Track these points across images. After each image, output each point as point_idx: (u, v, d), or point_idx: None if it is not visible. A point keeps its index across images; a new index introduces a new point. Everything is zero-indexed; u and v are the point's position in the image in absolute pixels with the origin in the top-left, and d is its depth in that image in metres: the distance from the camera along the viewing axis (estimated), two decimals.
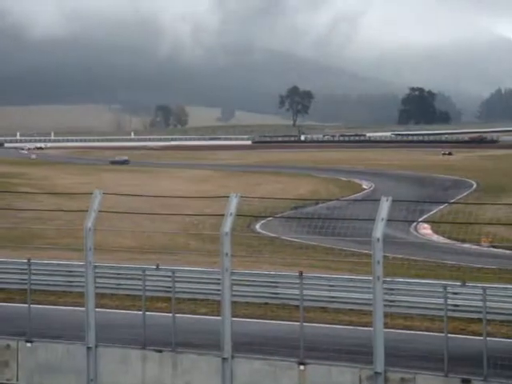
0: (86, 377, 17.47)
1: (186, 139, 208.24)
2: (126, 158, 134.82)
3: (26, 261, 19.79)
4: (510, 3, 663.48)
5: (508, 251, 43.41)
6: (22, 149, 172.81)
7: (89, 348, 17.50)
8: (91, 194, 18.00)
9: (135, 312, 19.68)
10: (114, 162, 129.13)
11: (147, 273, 18.56)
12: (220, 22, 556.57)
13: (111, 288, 23.89)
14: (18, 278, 23.91)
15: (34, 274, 20.59)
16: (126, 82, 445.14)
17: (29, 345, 18.03)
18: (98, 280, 18.35)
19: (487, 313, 15.43)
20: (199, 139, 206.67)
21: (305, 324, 16.48)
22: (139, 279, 18.61)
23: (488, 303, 15.62)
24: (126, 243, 43.46)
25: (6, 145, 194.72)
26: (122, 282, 24.00)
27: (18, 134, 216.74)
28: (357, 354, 15.89)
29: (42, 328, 18.39)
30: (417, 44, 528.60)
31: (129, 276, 22.84)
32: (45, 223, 43.26)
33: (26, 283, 19.63)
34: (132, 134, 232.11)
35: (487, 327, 15.45)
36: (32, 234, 43.17)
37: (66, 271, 25.48)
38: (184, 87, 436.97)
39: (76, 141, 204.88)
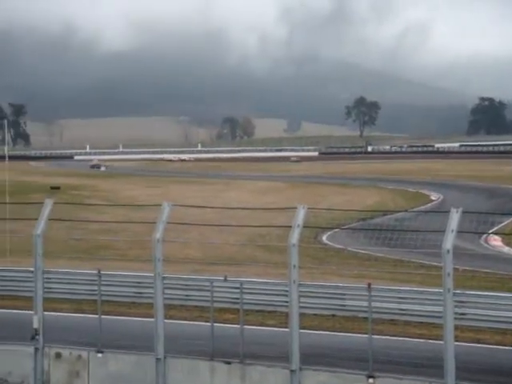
0: None
1: (252, 150, 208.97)
2: (97, 163, 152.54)
3: (96, 272, 20.04)
4: None
5: None
6: (91, 161, 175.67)
7: (158, 359, 17.63)
8: (160, 205, 18.17)
9: (203, 323, 19.77)
10: (93, 166, 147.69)
11: (215, 284, 18.63)
12: (287, 32, 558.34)
13: (180, 299, 24.02)
14: (88, 288, 24.19)
15: (104, 284, 20.84)
16: (193, 93, 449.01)
17: (99, 355, 18.25)
18: (167, 291, 18.49)
19: None
20: (265, 150, 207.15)
21: (374, 336, 16.36)
22: (207, 290, 18.70)
23: None
24: (194, 254, 43.75)
25: (76, 157, 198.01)
26: (191, 293, 24.11)
27: (88, 146, 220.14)
28: (427, 367, 15.73)
29: (112, 339, 18.60)
30: (486, 53, 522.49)
31: (197, 287, 22.94)
32: (114, 234, 43.85)
33: (96, 294, 19.87)
34: (199, 145, 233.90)
35: None
36: (100, 245, 43.76)
37: (136, 282, 25.66)
38: (251, 98, 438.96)
39: (144, 153, 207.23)
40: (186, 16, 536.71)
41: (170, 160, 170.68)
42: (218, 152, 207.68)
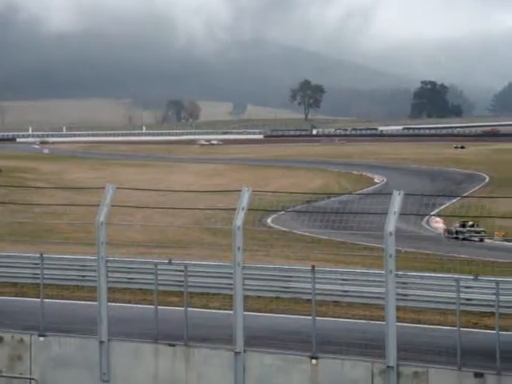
0: (99, 370, 17.51)
1: (197, 133, 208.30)
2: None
3: (38, 255, 19.85)
4: None
5: None
6: (35, 143, 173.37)
7: (101, 342, 17.54)
8: (103, 188, 18.02)
9: (148, 306, 19.70)
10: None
11: (159, 267, 18.58)
12: (232, 16, 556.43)
13: (124, 282, 23.92)
14: (30, 272, 23.95)
15: (47, 268, 20.64)
16: (138, 76, 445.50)
17: (42, 339, 18.09)
18: (111, 274, 18.38)
19: (500, 306, 15.37)
20: (211, 133, 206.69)
21: (317, 318, 16.46)
22: (151, 273, 18.63)
23: (501, 297, 15.56)
24: (139, 237, 43.57)
25: (19, 140, 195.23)
26: (135, 276, 24.02)
27: (31, 129, 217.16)
28: (369, 348, 15.86)
29: (54, 322, 18.44)
30: (429, 37, 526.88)
31: (141, 270, 22.86)
32: (57, 218, 43.41)
33: (38, 278, 19.68)
34: (143, 128, 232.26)
35: (500, 321, 15.38)
36: (44, 228, 43.31)
37: (79, 265, 25.52)
38: (196, 81, 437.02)
39: (88, 135, 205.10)
40: None
41: (202, 144, 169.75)
42: (162, 135, 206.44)
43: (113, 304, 18.75)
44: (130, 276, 24.28)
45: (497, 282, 15.52)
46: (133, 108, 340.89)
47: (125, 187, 20.41)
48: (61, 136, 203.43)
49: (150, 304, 18.72)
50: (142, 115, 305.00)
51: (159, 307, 17.85)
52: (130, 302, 23.07)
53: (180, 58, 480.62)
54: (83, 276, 24.91)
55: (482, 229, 51.78)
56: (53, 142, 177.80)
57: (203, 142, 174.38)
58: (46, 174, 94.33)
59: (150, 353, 17.21)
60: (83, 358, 17.69)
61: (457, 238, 51.39)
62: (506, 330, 17.05)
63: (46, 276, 20.13)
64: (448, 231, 53.48)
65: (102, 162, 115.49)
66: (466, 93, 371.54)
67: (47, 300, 19.10)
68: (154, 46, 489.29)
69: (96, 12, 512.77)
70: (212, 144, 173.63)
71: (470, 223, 52.67)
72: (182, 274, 18.16)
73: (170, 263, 19.13)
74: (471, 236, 51.43)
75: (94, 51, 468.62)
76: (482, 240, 51.69)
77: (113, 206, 17.76)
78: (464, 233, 51.79)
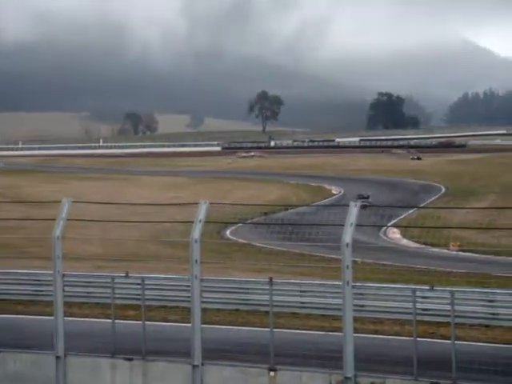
0: None
1: (155, 146, 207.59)
2: None
3: None
4: (477, 8, 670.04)
5: (476, 255, 43.76)
6: None
7: (58, 357, 17.37)
8: (60, 202, 17.88)
9: (105, 320, 19.57)
10: None
11: (116, 281, 18.47)
12: (188, 26, 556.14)
13: (80, 296, 23.77)
14: None
15: (1, 283, 20.43)
16: (94, 88, 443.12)
17: None
18: (67, 289, 18.23)
19: (456, 316, 15.51)
20: (169, 146, 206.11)
21: (275, 330, 16.48)
22: (108, 287, 18.51)
23: (456, 307, 15.70)
24: (96, 251, 43.27)
25: None
26: (92, 290, 23.88)
27: None
28: (327, 359, 15.91)
29: (9, 338, 18.23)
30: (385, 49, 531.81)
31: (98, 284, 22.72)
32: (13, 232, 42.91)
33: None
34: (101, 141, 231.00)
35: (456, 331, 15.52)
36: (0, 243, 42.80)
37: (35, 280, 25.31)
38: (153, 94, 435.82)
39: (45, 149, 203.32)
40: (86, 8, 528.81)
41: (243, 156, 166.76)
42: (119, 148, 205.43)
43: (70, 318, 18.59)
44: (87, 290, 24.15)
45: (452, 292, 15.65)
46: (89, 121, 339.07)
47: (81, 201, 20.27)
48: (16, 150, 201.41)
49: (108, 318, 18.61)
50: (99, 128, 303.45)
51: (117, 321, 17.74)
52: (87, 317, 22.92)
53: (136, 69, 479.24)
54: (39, 291, 24.71)
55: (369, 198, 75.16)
56: (8, 156, 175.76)
57: (244, 154, 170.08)
58: (1, 187, 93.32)
59: (107, 367, 17.08)
60: (39, 374, 17.49)
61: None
62: (462, 340, 17.23)
63: (1, 291, 19.91)
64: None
65: (59, 176, 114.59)
66: (422, 104, 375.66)
67: (1, 316, 18.89)
68: (110, 56, 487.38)
69: (51, 23, 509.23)
70: (252, 156, 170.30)
71: (365, 195, 78.42)
72: (140, 287, 18.07)
73: (127, 276, 19.03)
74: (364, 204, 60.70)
75: (49, 62, 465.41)
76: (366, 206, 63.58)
77: (69, 219, 17.64)
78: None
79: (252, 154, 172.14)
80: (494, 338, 19.75)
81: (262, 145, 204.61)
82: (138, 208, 52.79)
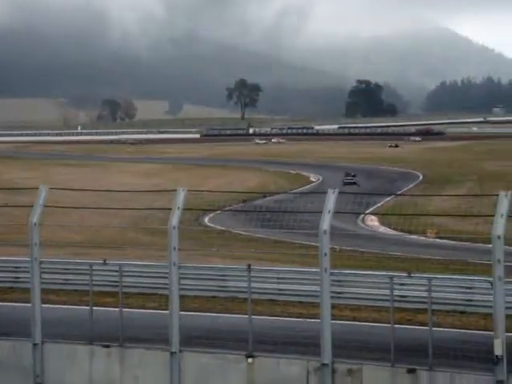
0: (33, 373, 17.30)
1: (133, 133, 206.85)
2: None
3: None
4: None
5: (453, 242, 44.00)
6: None
7: (35, 344, 17.33)
8: (37, 189, 17.81)
9: (83, 307, 19.53)
10: None
11: (94, 268, 18.43)
12: (167, 13, 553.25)
13: (58, 283, 23.70)
14: None
15: None
16: (72, 74, 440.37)
17: None
18: (45, 276, 18.17)
19: (433, 303, 15.61)
20: (147, 133, 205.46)
21: (254, 317, 16.52)
22: (86, 274, 18.47)
23: (433, 294, 15.80)
24: (74, 238, 43.14)
25: None
26: (69, 277, 23.83)
27: None
28: (305, 346, 15.96)
29: None
30: (364, 37, 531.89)
31: (76, 271, 22.68)
32: None
33: None
34: (79, 127, 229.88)
35: (433, 317, 15.62)
36: None
37: (12, 267, 25.23)
38: (131, 80, 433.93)
39: (22, 135, 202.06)
40: None
41: (257, 143, 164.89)
42: (98, 134, 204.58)
43: (47, 306, 18.55)
44: (64, 277, 24.10)
45: (429, 279, 15.75)
46: (68, 107, 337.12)
47: (58, 187, 20.18)
48: None
49: (85, 305, 18.58)
50: (77, 115, 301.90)
51: (95, 308, 17.71)
52: (64, 304, 22.86)
53: (115, 56, 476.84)
54: (16, 278, 24.63)
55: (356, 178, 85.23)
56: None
57: (258, 141, 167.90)
58: None
59: (85, 354, 17.05)
60: (16, 361, 17.44)
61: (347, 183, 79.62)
62: (439, 327, 17.34)
63: None
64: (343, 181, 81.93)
65: (37, 162, 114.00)
66: (401, 92, 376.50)
67: None
68: (87, 43, 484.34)
69: (29, 8, 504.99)
70: (275, 142, 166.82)
71: (352, 174, 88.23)
72: (117, 274, 18.05)
73: (104, 263, 18.99)
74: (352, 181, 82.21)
75: (27, 49, 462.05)
76: (354, 183, 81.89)
77: (46, 206, 17.57)
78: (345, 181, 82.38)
79: (274, 140, 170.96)
80: (470, 324, 19.91)
81: (241, 132, 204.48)
82: (117, 195, 52.60)
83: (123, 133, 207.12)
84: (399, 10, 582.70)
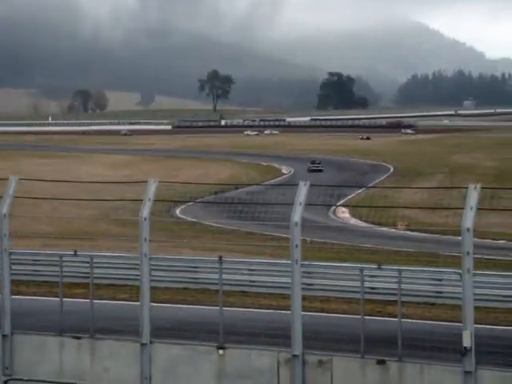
0: (1, 365, 17.21)
1: (105, 124, 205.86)
2: None
3: None
4: None
5: (423, 234, 44.33)
6: None
7: (4, 336, 17.24)
8: (7, 179, 17.70)
9: (53, 299, 19.46)
10: None
11: (65, 259, 18.36)
12: (139, 3, 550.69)
13: (28, 275, 23.60)
14: None
15: None
16: (44, 65, 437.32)
17: None
18: (15, 267, 18.07)
19: (402, 295, 15.72)
20: (119, 124, 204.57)
21: (225, 308, 16.55)
22: (57, 265, 18.39)
23: (403, 285, 15.90)
24: (45, 229, 42.87)
25: None
26: (39, 268, 23.73)
27: None
28: (276, 337, 16.01)
29: None
30: (336, 29, 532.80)
31: (46, 262, 22.57)
32: None
33: None
34: (49, 118, 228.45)
35: (402, 309, 15.74)
36: None
37: None
38: (103, 71, 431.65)
39: None
40: None
41: (247, 134, 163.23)
42: (69, 125, 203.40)
43: (17, 297, 18.45)
44: (34, 268, 23.98)
45: (399, 271, 15.85)
46: (38, 98, 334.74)
47: (28, 178, 20.07)
48: None
49: (56, 296, 18.51)
50: (48, 105, 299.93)
51: (65, 299, 17.64)
52: (34, 295, 22.77)
53: (87, 46, 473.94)
54: None
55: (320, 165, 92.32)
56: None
57: (249, 133, 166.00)
58: None
59: (55, 346, 16.99)
60: None
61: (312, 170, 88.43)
62: (409, 318, 17.47)
63: None
64: (308, 168, 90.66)
65: (8, 153, 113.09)
66: (372, 84, 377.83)
67: None
68: (59, 33, 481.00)
69: None
70: (267, 134, 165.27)
71: (318, 161, 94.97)
72: (88, 265, 18.00)
73: (75, 255, 18.92)
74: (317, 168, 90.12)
75: None
76: (320, 170, 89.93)
77: (16, 197, 17.47)
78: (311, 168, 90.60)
79: (267, 132, 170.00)
80: (438, 315, 20.08)
81: (212, 123, 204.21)
82: (89, 186, 52.43)
83: (94, 124, 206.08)
84: (371, 3, 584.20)
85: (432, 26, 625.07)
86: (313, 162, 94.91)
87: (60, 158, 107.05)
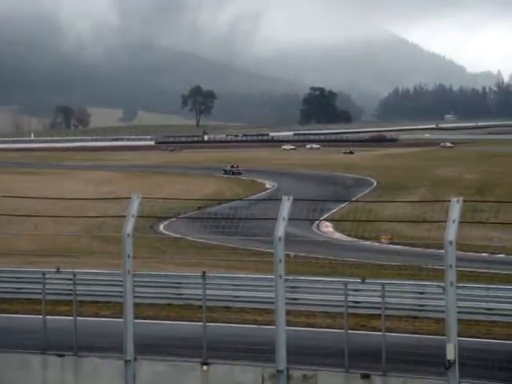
0: None
1: (87, 140, 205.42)
2: None
3: None
4: (406, 5, 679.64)
5: (406, 247, 44.43)
6: None
7: None
8: None
9: (36, 316, 19.35)
10: None
11: (47, 276, 18.28)
12: (121, 19, 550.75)
13: (11, 292, 23.46)
14: None
15: None
16: (25, 81, 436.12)
17: None
18: None
19: (386, 308, 15.74)
20: (101, 140, 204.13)
21: (208, 324, 16.52)
22: (39, 283, 18.31)
23: (387, 299, 15.93)
24: (28, 246, 42.66)
25: None
26: (22, 285, 23.59)
27: None
28: (260, 352, 15.99)
29: None
30: (317, 44, 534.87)
31: (29, 280, 22.46)
32: None
33: None
34: (32, 135, 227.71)
35: (386, 323, 15.75)
36: None
37: None
38: (85, 87, 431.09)
39: None
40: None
41: (284, 149, 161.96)
42: (52, 142, 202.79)
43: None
44: (17, 286, 23.85)
45: (383, 285, 15.88)
46: (20, 114, 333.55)
47: (10, 195, 20.01)
48: None
49: (39, 314, 18.41)
50: (29, 122, 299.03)
51: (48, 317, 17.55)
52: (17, 313, 22.62)
53: (68, 62, 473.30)
54: None
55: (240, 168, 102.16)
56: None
57: (285, 147, 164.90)
58: None
59: (38, 364, 16.89)
60: None
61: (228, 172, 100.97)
62: (392, 332, 17.49)
63: None
64: (224, 171, 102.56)
65: None
66: (354, 99, 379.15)
67: None
68: (40, 50, 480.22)
69: None
70: (311, 148, 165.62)
71: (236, 165, 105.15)
72: (71, 282, 17.92)
73: (58, 272, 18.85)
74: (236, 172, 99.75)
75: None
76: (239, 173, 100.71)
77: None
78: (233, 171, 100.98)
79: (308, 146, 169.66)
80: (422, 329, 20.11)
81: (196, 139, 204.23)
82: (72, 202, 52.25)
83: (77, 140, 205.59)
84: (351, 18, 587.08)
85: (411, 40, 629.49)
86: (232, 166, 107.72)
87: (43, 174, 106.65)
